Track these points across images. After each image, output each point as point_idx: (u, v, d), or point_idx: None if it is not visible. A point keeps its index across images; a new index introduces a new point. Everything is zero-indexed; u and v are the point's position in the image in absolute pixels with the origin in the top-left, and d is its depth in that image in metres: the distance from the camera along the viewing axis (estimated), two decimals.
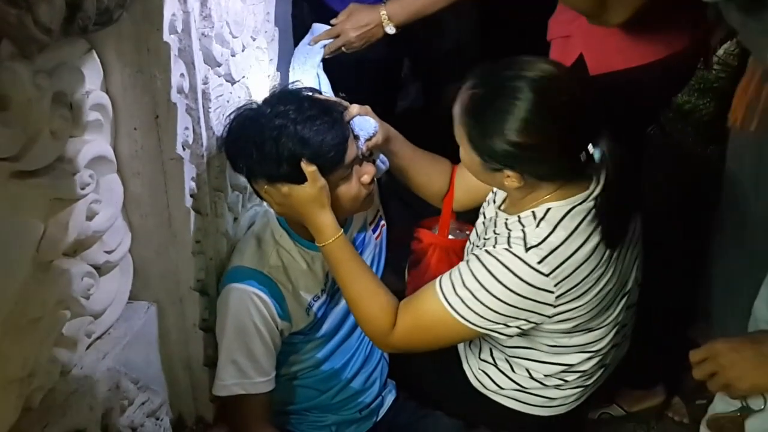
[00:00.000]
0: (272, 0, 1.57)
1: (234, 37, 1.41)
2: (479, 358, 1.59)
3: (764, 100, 1.58)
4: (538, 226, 1.34)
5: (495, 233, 1.39)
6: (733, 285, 1.80)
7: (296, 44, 2.29)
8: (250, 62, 1.51)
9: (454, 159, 1.54)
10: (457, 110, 1.35)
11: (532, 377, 1.52)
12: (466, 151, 1.37)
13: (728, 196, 1.78)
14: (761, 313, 1.44)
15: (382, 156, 1.65)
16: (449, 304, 1.36)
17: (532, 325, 1.38)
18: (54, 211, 1.12)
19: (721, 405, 1.30)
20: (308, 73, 1.68)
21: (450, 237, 1.77)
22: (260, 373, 1.51)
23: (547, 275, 1.31)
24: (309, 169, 1.37)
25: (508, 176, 1.33)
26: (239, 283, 1.49)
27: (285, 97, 1.44)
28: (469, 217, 1.81)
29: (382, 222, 1.77)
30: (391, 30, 1.76)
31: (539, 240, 1.32)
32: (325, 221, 1.41)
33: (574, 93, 1.30)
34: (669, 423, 2.05)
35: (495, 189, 1.56)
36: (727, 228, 1.80)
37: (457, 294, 1.35)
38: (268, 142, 1.37)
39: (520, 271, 1.31)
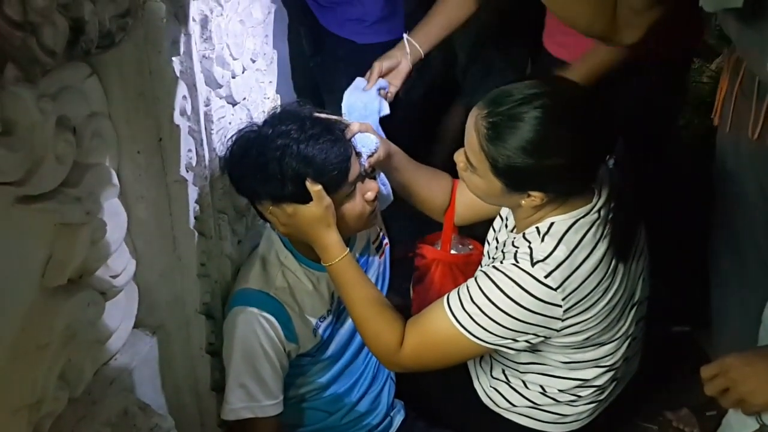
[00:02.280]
0: (270, 23, 1.58)
1: (234, 59, 1.41)
2: (491, 375, 1.58)
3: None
4: (542, 240, 1.34)
5: (503, 252, 1.39)
6: (744, 294, 1.79)
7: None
8: (250, 84, 1.51)
9: (454, 173, 1.53)
10: (473, 139, 1.32)
11: (545, 394, 1.51)
12: (484, 178, 1.35)
13: (739, 207, 1.78)
14: None
15: (387, 182, 1.64)
16: (457, 320, 1.35)
17: (540, 339, 1.37)
18: (59, 236, 1.11)
19: (737, 420, 1.28)
20: (371, 120, 1.68)
21: (452, 252, 1.78)
22: (269, 396, 1.50)
23: (555, 289, 1.31)
24: (314, 188, 1.36)
25: (532, 197, 1.32)
26: (245, 305, 1.48)
27: (286, 117, 1.43)
28: (471, 231, 1.81)
29: (386, 241, 1.77)
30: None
31: (545, 255, 1.32)
32: (332, 240, 1.40)
33: (590, 105, 1.31)
34: None
35: (506, 215, 1.56)
36: (737, 237, 1.80)
37: (465, 310, 1.34)
38: (272, 162, 1.36)
39: (527, 285, 1.31)
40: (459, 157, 1.40)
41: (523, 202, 1.34)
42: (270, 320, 1.47)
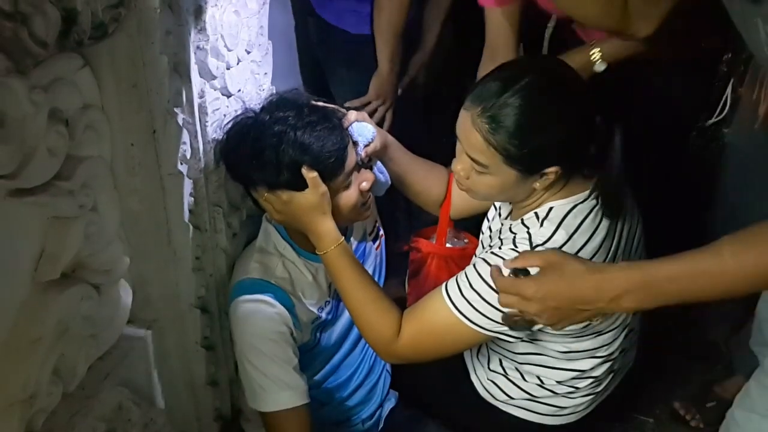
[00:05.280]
0: (266, 14, 1.56)
1: (229, 50, 1.40)
2: (488, 368, 1.58)
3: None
4: (542, 225, 1.33)
5: (500, 238, 1.38)
6: None
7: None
8: (245, 76, 1.49)
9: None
10: (476, 139, 1.28)
11: (543, 385, 1.51)
12: (496, 174, 1.31)
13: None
14: (764, 313, 1.42)
15: (384, 170, 1.63)
16: (456, 307, 1.34)
17: (539, 325, 1.36)
18: (52, 229, 1.10)
19: (741, 416, 1.28)
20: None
21: (448, 245, 1.76)
22: (290, 382, 1.45)
23: None
24: (310, 175, 1.35)
25: (547, 174, 1.30)
26: (249, 294, 1.45)
27: (283, 104, 1.42)
28: (466, 225, 1.80)
29: (381, 233, 1.76)
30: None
31: (545, 239, 1.31)
32: (327, 228, 1.40)
33: (570, 72, 1.33)
34: (686, 430, 2.00)
35: (499, 204, 1.55)
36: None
37: (464, 296, 1.33)
38: (268, 149, 1.35)
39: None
40: (460, 165, 1.36)
41: (537, 184, 1.32)
42: (274, 304, 1.45)
